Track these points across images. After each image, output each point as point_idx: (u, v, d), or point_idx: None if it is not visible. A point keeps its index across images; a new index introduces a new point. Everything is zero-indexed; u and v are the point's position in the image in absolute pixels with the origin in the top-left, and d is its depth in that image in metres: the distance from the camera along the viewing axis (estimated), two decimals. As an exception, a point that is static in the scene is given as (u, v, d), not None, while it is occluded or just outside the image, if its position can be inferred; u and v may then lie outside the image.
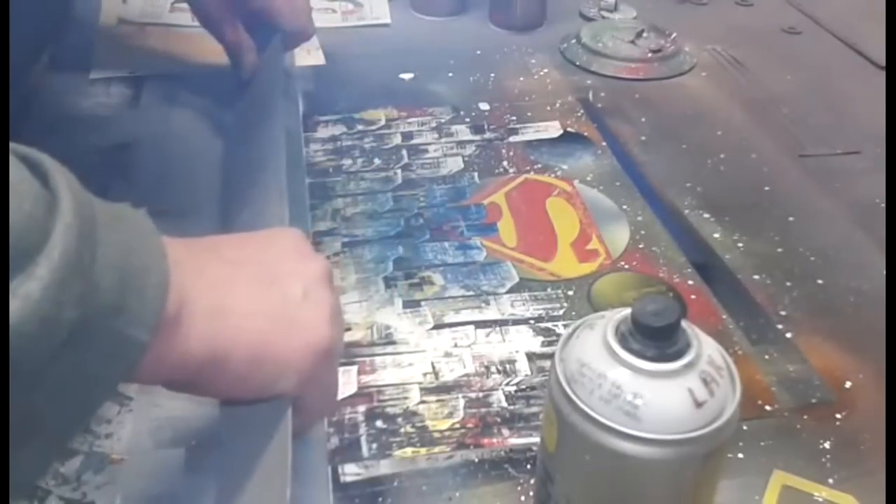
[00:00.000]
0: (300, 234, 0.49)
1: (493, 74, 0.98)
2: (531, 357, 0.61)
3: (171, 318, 0.37)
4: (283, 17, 0.83)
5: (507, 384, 0.59)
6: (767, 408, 0.58)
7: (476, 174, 0.81)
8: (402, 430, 0.56)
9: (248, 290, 0.42)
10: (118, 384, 0.37)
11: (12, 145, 0.34)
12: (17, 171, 0.33)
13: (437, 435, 0.55)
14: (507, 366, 0.60)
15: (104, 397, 0.38)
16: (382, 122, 0.89)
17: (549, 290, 0.67)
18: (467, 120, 0.89)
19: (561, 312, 0.65)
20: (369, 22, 1.10)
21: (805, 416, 0.57)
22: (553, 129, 0.88)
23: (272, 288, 0.43)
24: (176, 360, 0.39)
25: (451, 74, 0.98)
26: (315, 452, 0.49)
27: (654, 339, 0.39)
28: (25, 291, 0.31)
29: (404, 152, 0.84)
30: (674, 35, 1.05)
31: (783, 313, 0.66)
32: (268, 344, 0.42)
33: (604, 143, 0.86)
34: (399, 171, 0.81)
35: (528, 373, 0.60)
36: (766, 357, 0.62)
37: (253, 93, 0.83)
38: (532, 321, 0.64)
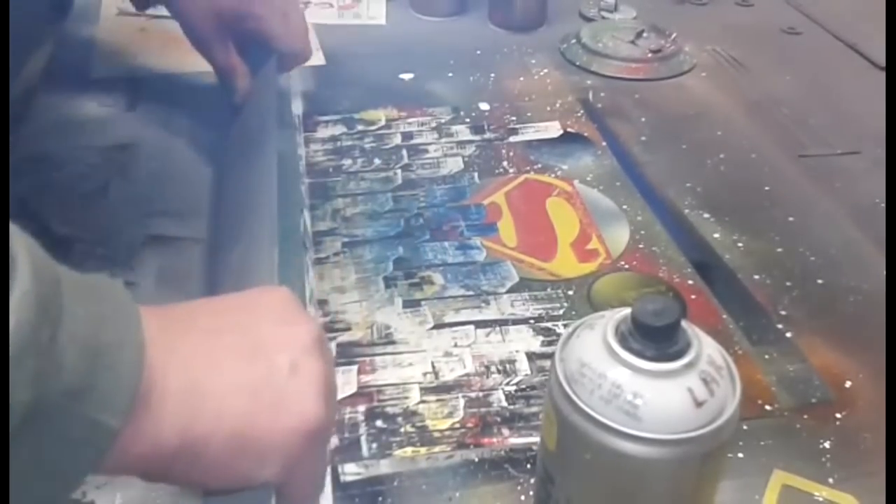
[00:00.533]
0: (288, 293, 0.44)
1: (493, 74, 0.98)
2: (531, 357, 0.61)
3: (140, 400, 0.33)
4: (278, 38, 0.79)
5: (507, 384, 0.59)
6: (767, 407, 0.58)
7: (476, 174, 0.81)
8: (402, 429, 0.56)
9: (227, 363, 0.38)
10: (84, 476, 0.32)
11: None
12: None
13: (437, 434, 0.55)
14: (507, 365, 0.60)
15: (68, 490, 0.32)
16: (382, 123, 0.89)
17: (549, 289, 0.67)
18: (467, 120, 0.89)
19: (561, 312, 0.65)
20: (365, 21, 1.10)
21: (805, 416, 0.57)
22: (553, 130, 0.88)
23: (255, 360, 0.38)
24: (145, 449, 0.34)
25: (450, 74, 0.98)
26: None
27: (654, 338, 0.39)
28: None
29: (404, 152, 0.84)
30: (674, 35, 1.05)
31: (783, 313, 0.66)
32: (250, 427, 0.37)
33: (604, 144, 0.86)
34: (399, 172, 0.81)
35: (528, 372, 0.60)
36: (766, 357, 0.62)
37: (245, 118, 0.79)
38: (532, 321, 0.64)
